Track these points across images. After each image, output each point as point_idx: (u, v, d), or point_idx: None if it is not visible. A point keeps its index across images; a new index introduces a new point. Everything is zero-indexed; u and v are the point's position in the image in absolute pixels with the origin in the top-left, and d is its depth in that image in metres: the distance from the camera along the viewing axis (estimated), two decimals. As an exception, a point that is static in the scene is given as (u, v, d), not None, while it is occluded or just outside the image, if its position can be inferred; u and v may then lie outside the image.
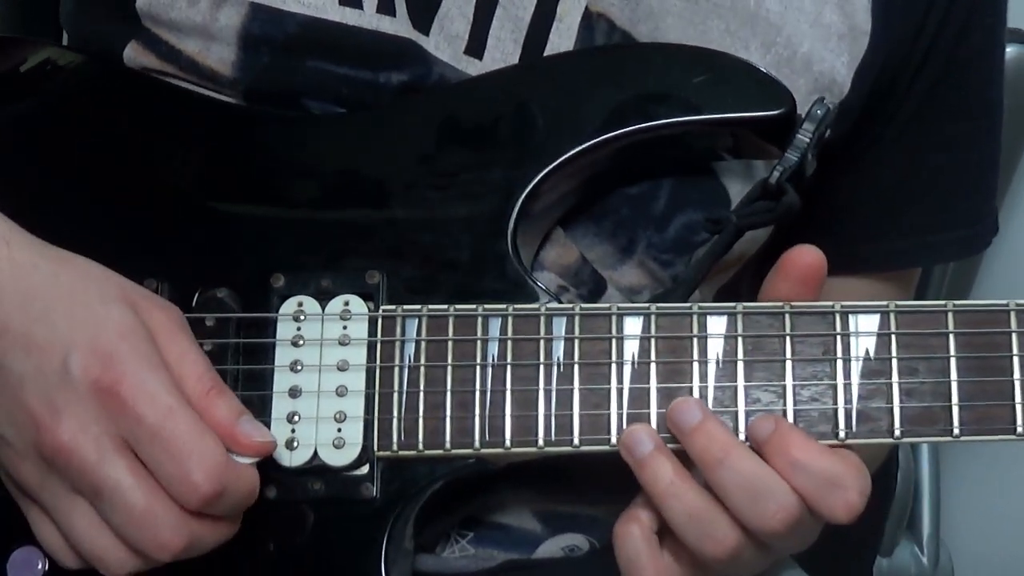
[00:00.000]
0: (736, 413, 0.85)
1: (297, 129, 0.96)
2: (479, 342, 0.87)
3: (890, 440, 0.84)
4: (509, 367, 0.87)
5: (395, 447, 0.87)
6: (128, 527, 0.79)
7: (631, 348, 0.86)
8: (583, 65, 0.95)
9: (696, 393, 0.85)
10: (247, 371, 0.89)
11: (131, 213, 0.95)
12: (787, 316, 0.86)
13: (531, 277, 0.91)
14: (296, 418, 0.88)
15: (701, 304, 0.87)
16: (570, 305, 0.87)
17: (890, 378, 0.84)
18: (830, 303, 0.86)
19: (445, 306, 0.88)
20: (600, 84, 0.93)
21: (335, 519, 0.88)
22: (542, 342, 0.87)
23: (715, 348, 0.86)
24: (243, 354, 0.89)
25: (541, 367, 0.86)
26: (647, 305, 0.87)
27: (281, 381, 0.88)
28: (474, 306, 0.88)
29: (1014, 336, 0.85)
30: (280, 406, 0.88)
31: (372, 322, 0.88)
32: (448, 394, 0.87)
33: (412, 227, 0.91)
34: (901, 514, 1.61)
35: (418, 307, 0.88)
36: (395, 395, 0.87)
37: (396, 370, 0.87)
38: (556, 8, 0.96)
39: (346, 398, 0.87)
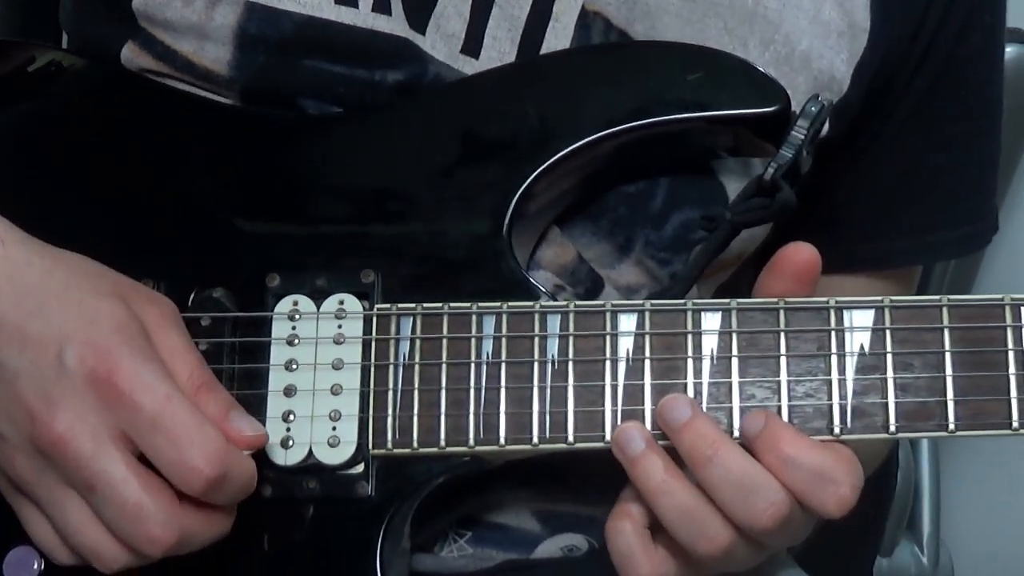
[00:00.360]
0: (731, 409, 0.85)
1: (293, 130, 0.96)
2: (474, 340, 0.87)
3: (885, 435, 0.84)
4: (504, 364, 0.87)
5: (390, 445, 0.87)
6: (119, 521, 0.79)
7: (625, 345, 0.86)
8: (578, 63, 0.95)
9: (691, 389, 0.85)
10: (242, 370, 0.89)
11: (128, 213, 0.95)
12: (781, 312, 0.86)
13: (527, 276, 0.91)
14: (291, 417, 0.88)
15: (695, 300, 0.87)
16: (564, 302, 0.87)
17: (885, 373, 0.84)
18: (824, 299, 0.86)
19: (439, 304, 0.88)
20: (594, 82, 0.93)
21: (330, 518, 0.88)
22: (537, 339, 0.87)
23: (709, 344, 0.86)
24: (238, 353, 0.89)
25: (536, 364, 0.86)
26: (641, 302, 0.87)
27: (276, 380, 0.88)
28: (468, 304, 0.88)
29: (1009, 331, 0.84)
30: (275, 405, 0.88)
31: (367, 321, 0.88)
32: (443, 392, 0.87)
33: (407, 226, 0.92)
34: (901, 514, 1.61)
35: (413, 305, 0.88)
36: (390, 393, 0.87)
37: (391, 368, 0.87)
38: (552, 7, 0.96)
39: (341, 396, 0.87)
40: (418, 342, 0.88)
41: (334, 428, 0.87)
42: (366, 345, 0.88)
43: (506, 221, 0.90)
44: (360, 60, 0.95)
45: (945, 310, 0.85)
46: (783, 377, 0.85)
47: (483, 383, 0.87)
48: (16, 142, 0.99)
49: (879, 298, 0.86)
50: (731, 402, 0.85)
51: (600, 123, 0.91)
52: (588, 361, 0.86)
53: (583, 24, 0.96)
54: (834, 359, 0.85)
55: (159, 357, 0.81)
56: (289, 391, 0.88)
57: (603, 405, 0.85)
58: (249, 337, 0.90)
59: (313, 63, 0.95)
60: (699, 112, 0.91)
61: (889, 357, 0.85)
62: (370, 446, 0.87)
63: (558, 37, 0.96)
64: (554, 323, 0.87)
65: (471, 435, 0.86)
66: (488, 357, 0.87)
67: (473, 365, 0.87)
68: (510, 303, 0.87)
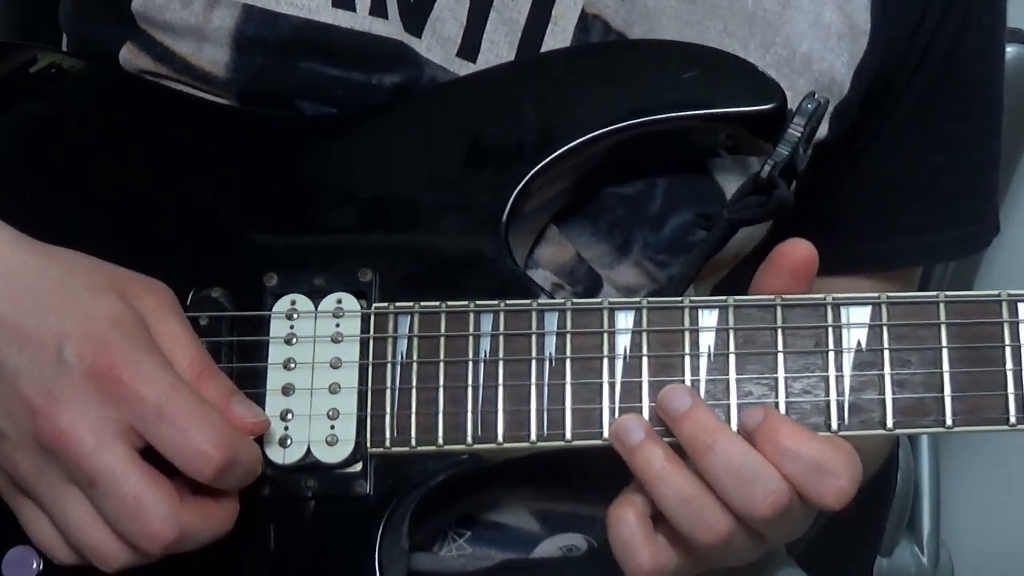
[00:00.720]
0: (728, 406, 0.85)
1: (291, 130, 0.96)
2: (471, 338, 0.87)
3: (882, 432, 0.84)
4: (501, 363, 0.87)
5: (388, 443, 0.87)
6: (119, 516, 0.79)
7: (623, 342, 0.86)
8: (574, 62, 0.95)
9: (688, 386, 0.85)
10: (241, 369, 0.89)
11: (127, 214, 0.95)
12: (779, 309, 0.86)
13: (525, 274, 0.91)
14: (289, 416, 0.88)
15: (693, 298, 0.87)
16: (562, 300, 0.87)
17: (882, 369, 0.84)
18: (821, 295, 0.86)
19: (437, 303, 0.88)
20: (591, 81, 0.93)
21: (329, 516, 0.88)
22: (534, 337, 0.87)
23: (707, 341, 0.86)
24: (237, 352, 0.90)
25: (533, 362, 0.86)
26: (638, 299, 0.87)
27: (274, 379, 0.88)
28: (466, 302, 0.88)
29: (1006, 326, 0.84)
30: (273, 404, 0.88)
31: (365, 319, 0.89)
32: (440, 390, 0.87)
33: (405, 225, 0.92)
34: (901, 514, 1.61)
35: (410, 304, 0.88)
36: (388, 392, 0.87)
37: (388, 367, 0.87)
38: (551, 11, 0.96)
39: (339, 395, 0.87)
40: (416, 340, 0.88)
41: (332, 427, 0.87)
42: (364, 344, 0.88)
43: (503, 220, 0.90)
44: (357, 63, 0.95)
45: (942, 306, 0.85)
46: (780, 374, 0.85)
47: (481, 381, 0.86)
48: (15, 143, 0.99)
49: (876, 294, 0.86)
50: (729, 399, 0.85)
51: (597, 122, 0.91)
52: (586, 358, 0.86)
53: (582, 27, 0.96)
54: (831, 355, 0.85)
55: (158, 347, 0.81)
56: (287, 390, 0.88)
57: (601, 402, 0.85)
58: (247, 336, 0.90)
59: (310, 66, 0.96)
60: (696, 110, 0.91)
61: (886, 353, 0.84)
62: (368, 445, 0.87)
63: (557, 40, 0.96)
64: (551, 321, 0.87)
65: (469, 433, 0.86)
66: (486, 355, 0.87)
67: (471, 363, 0.87)
68: (508, 301, 0.87)
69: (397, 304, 0.88)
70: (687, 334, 0.86)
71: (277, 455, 0.87)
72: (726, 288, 1.05)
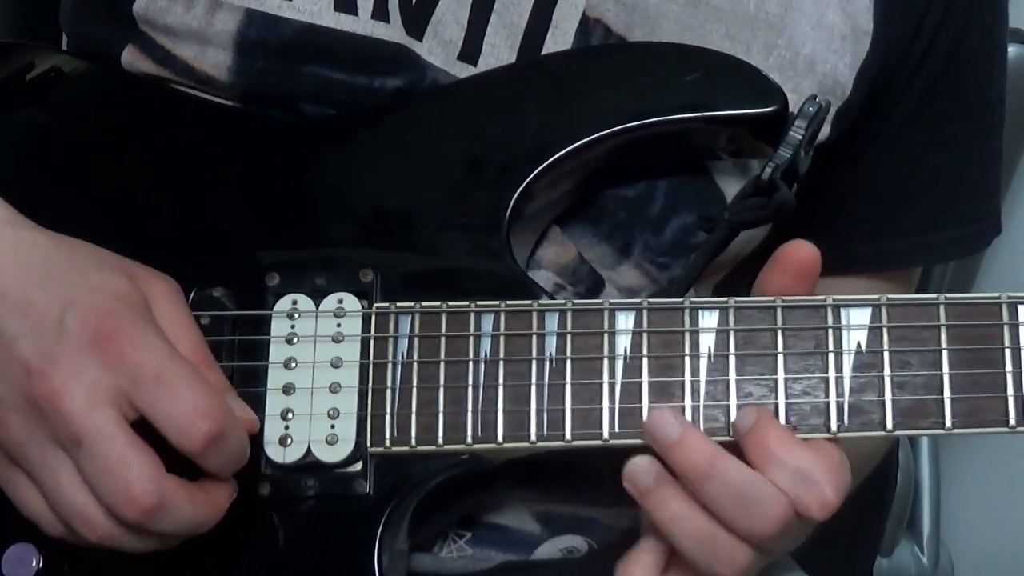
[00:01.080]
0: (728, 407, 0.85)
1: (293, 130, 0.96)
2: (472, 338, 0.87)
3: (882, 433, 0.84)
4: (502, 363, 0.87)
5: (388, 443, 0.87)
6: (100, 475, 0.78)
7: (623, 343, 0.86)
8: (576, 64, 0.95)
9: (688, 387, 0.85)
10: (242, 368, 0.89)
11: (129, 213, 0.95)
12: (779, 310, 0.86)
13: (526, 275, 0.91)
14: (290, 415, 0.88)
15: (693, 299, 0.87)
16: (562, 301, 0.88)
17: (882, 371, 0.84)
18: (822, 297, 0.86)
19: (438, 303, 0.88)
20: (593, 83, 0.93)
21: (329, 516, 0.88)
22: (534, 338, 0.87)
23: (707, 342, 0.86)
24: (238, 351, 0.90)
25: (533, 363, 0.86)
26: (639, 300, 0.87)
27: (275, 378, 0.88)
28: (467, 302, 0.88)
29: (1006, 328, 0.84)
30: (274, 403, 0.88)
31: (366, 319, 0.89)
32: (441, 390, 0.87)
33: (406, 225, 0.92)
34: (901, 514, 1.61)
35: (411, 304, 0.88)
36: (388, 391, 0.87)
37: (389, 366, 0.88)
38: (552, 14, 0.96)
39: (339, 395, 0.88)
40: (416, 340, 0.88)
41: (332, 426, 0.87)
42: (365, 343, 0.88)
43: (504, 221, 0.90)
44: (359, 67, 0.95)
45: (942, 308, 0.85)
46: (780, 375, 0.85)
47: (481, 381, 0.87)
48: (17, 144, 0.99)
49: (876, 296, 0.86)
50: (728, 400, 0.85)
51: (598, 124, 0.91)
52: (586, 359, 0.86)
53: (583, 31, 0.96)
54: (831, 357, 0.85)
55: (161, 328, 0.82)
56: (288, 389, 0.88)
57: (601, 403, 0.85)
58: (248, 335, 0.90)
59: (312, 69, 0.96)
60: (697, 112, 0.91)
61: (886, 355, 0.85)
62: (368, 444, 0.87)
63: (558, 43, 0.96)
64: (552, 321, 0.87)
65: (469, 433, 0.86)
66: (486, 355, 0.87)
67: (471, 363, 0.87)
68: (508, 301, 0.87)
69: (398, 304, 0.88)
70: (687, 335, 0.86)
71: (277, 454, 0.87)
72: (726, 289, 1.05)
